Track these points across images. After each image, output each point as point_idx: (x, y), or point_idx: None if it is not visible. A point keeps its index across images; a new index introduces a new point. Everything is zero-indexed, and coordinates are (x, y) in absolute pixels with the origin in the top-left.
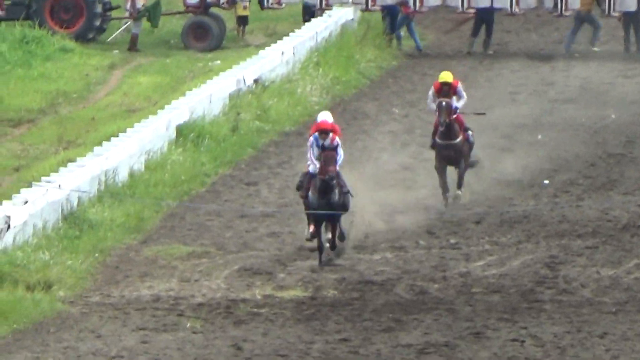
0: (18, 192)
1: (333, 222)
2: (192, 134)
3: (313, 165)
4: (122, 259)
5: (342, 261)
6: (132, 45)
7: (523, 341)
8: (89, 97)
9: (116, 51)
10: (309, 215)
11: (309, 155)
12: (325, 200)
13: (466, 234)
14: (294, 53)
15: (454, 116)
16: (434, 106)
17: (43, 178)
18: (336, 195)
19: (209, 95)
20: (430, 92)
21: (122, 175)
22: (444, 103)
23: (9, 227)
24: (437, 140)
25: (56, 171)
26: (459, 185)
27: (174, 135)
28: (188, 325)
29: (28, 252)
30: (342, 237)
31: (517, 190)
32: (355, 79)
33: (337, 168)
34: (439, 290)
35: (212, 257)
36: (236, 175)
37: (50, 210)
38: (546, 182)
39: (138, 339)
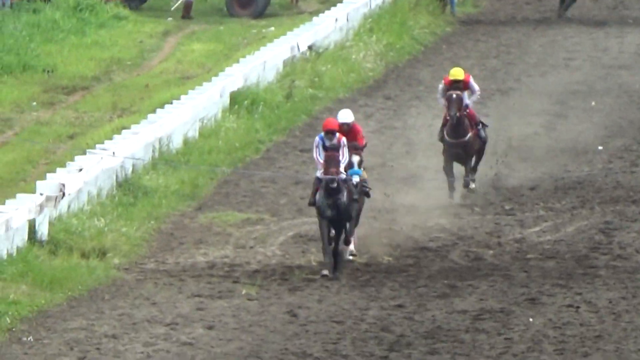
0: (72, 159)
1: (340, 226)
2: (246, 101)
3: (319, 166)
4: (176, 225)
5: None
6: (186, 12)
7: (578, 307)
8: (142, 64)
9: (170, 18)
10: (323, 239)
11: (314, 155)
12: (332, 200)
13: (521, 200)
14: (347, 20)
15: (466, 111)
16: (443, 101)
17: (97, 145)
18: (344, 197)
19: (262, 62)
20: (440, 87)
21: (176, 142)
22: (454, 95)
23: (63, 194)
24: (446, 137)
25: (110, 138)
26: (470, 181)
27: (227, 102)
28: (243, 292)
29: (83, 219)
30: (347, 241)
31: (571, 157)
32: (409, 45)
33: (342, 169)
34: (494, 256)
35: (267, 223)
36: (290, 142)
37: (105, 177)
38: (600, 148)
39: (193, 305)
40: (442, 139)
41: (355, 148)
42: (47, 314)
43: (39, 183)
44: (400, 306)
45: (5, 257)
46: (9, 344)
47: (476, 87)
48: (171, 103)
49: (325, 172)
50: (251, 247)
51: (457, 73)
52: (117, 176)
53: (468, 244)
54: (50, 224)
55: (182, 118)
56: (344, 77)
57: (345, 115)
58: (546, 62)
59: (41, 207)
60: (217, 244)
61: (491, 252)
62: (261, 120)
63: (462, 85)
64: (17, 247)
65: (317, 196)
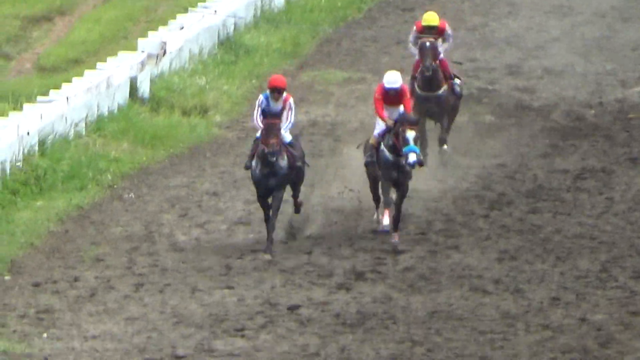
0: (174, 17)
1: (276, 195)
2: None
3: (259, 128)
4: None
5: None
6: None
7: None
8: None
9: None
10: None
11: (254, 115)
12: (269, 169)
13: (622, 61)
14: None
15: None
16: (415, 50)
17: (199, 4)
18: (284, 166)
19: None
20: (412, 35)
21: (278, 1)
22: (427, 43)
23: (165, 52)
24: (417, 90)
25: None
26: (443, 141)
27: None
28: (344, 151)
29: (184, 77)
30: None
31: None
32: None
33: (284, 135)
34: (596, 116)
35: (369, 83)
36: (392, 2)
37: (206, 35)
38: None
39: None
40: (412, 93)
41: (410, 123)
42: (148, 171)
43: (140, 41)
44: (501, 165)
45: (106, 114)
46: (110, 200)
47: (451, 37)
48: None
49: (264, 143)
50: (352, 106)
51: (431, 18)
52: (218, 34)
53: (570, 103)
54: (152, 81)
55: None
56: None
57: (393, 79)
58: None
59: (142, 64)
60: (319, 102)
61: (592, 111)
62: None
63: (436, 32)
64: (119, 105)
65: (253, 163)
